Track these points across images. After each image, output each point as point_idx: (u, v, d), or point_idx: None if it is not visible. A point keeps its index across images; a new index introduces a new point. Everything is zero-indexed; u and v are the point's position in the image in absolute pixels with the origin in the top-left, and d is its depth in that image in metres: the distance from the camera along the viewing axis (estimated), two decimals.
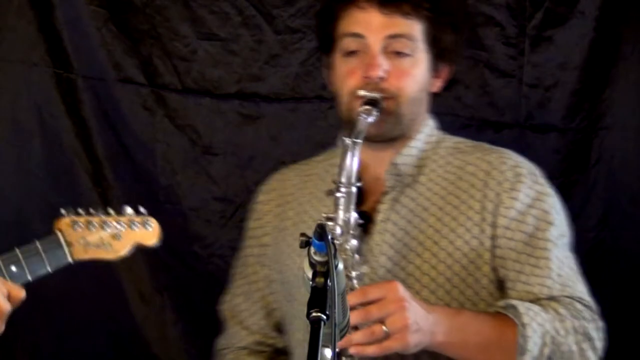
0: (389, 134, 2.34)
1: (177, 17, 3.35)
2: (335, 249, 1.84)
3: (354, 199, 2.16)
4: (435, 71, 2.40)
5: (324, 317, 1.77)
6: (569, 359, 2.23)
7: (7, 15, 3.23)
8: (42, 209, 3.26)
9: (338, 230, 2.09)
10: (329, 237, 1.79)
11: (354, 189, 2.15)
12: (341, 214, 2.14)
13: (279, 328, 2.53)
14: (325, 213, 2.18)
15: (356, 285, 2.18)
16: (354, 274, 2.18)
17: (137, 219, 2.38)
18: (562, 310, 2.25)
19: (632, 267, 3.37)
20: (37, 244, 2.25)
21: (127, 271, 3.38)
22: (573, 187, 3.39)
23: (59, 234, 2.28)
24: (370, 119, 2.23)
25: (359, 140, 2.17)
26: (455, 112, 3.39)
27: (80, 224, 2.30)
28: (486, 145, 2.45)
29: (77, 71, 3.30)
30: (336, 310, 1.81)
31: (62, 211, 2.31)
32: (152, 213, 3.36)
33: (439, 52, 2.38)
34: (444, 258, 2.30)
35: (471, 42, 3.38)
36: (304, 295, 2.35)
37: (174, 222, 3.39)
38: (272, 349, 2.53)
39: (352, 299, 2.07)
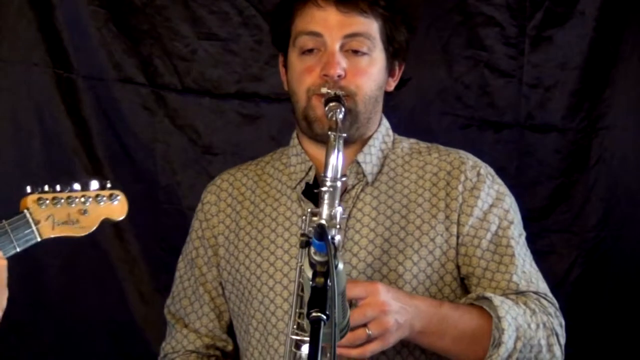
0: (346, 132, 2.30)
1: (177, 17, 3.35)
2: (336, 249, 1.84)
3: (338, 194, 2.15)
4: (390, 70, 2.41)
5: (324, 317, 1.76)
6: (538, 353, 2.25)
7: (7, 15, 3.23)
8: None
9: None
10: (329, 237, 1.79)
11: (338, 184, 2.15)
12: (326, 209, 2.13)
13: (229, 331, 2.51)
14: (310, 208, 2.19)
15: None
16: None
17: (104, 193, 2.33)
18: (532, 305, 2.27)
19: (632, 267, 3.37)
20: (5, 223, 2.20)
21: (127, 271, 3.39)
22: (573, 187, 3.40)
23: (26, 213, 2.23)
24: (341, 115, 2.23)
25: (343, 135, 2.17)
26: (455, 112, 3.40)
27: (47, 200, 2.25)
28: (441, 147, 2.46)
29: (77, 71, 3.30)
30: (336, 310, 1.81)
31: (28, 189, 2.26)
32: (152, 213, 3.40)
33: (394, 51, 2.39)
34: (411, 255, 2.31)
35: (471, 42, 3.38)
36: (266, 293, 2.36)
37: (174, 222, 3.39)
38: (221, 352, 2.51)
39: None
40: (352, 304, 2.11)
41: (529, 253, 2.39)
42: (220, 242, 2.47)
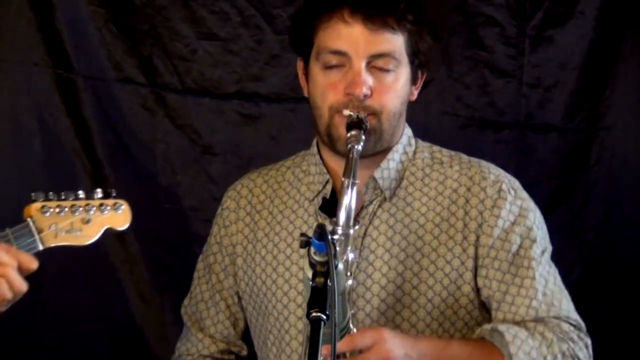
0: (371, 151, 2.31)
1: (177, 17, 3.35)
2: (335, 249, 1.84)
3: (351, 241, 2.13)
4: (414, 80, 2.37)
5: (324, 317, 1.76)
6: None
7: (7, 15, 3.23)
8: None
9: None
10: (329, 237, 1.78)
11: (351, 231, 2.13)
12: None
13: (244, 336, 2.51)
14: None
15: (351, 326, 2.14)
16: (349, 313, 2.14)
17: (108, 202, 2.30)
18: (548, 335, 2.23)
19: (632, 267, 3.37)
20: (8, 231, 2.19)
21: (127, 271, 3.38)
22: (573, 187, 3.40)
23: (30, 221, 2.22)
24: (360, 147, 2.19)
25: (356, 181, 2.14)
26: (456, 112, 3.39)
27: (51, 209, 2.23)
28: (464, 157, 2.42)
29: (77, 71, 3.30)
30: (336, 310, 1.80)
31: (32, 195, 2.24)
32: (152, 213, 3.40)
33: (419, 63, 2.35)
34: (426, 278, 2.29)
35: (471, 42, 3.38)
36: (281, 310, 2.34)
37: (174, 222, 3.39)
38: (235, 356, 2.52)
39: (341, 347, 2.06)
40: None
41: (552, 270, 2.34)
42: (238, 252, 2.45)
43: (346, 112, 2.25)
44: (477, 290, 2.31)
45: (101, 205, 2.30)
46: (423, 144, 2.44)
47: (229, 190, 2.53)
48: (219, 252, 2.49)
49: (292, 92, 3.37)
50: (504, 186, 2.35)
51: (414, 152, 2.41)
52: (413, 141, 2.43)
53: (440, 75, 3.38)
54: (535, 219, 2.36)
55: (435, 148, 2.44)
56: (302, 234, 1.83)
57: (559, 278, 2.35)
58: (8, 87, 3.27)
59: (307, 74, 2.37)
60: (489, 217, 2.31)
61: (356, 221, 2.16)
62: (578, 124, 3.39)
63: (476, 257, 2.30)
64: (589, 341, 2.30)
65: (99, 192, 2.30)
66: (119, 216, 2.32)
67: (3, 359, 3.28)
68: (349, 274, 2.15)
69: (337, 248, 2.10)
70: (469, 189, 2.34)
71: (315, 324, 1.77)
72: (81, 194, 2.28)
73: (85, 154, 3.33)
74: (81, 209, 2.27)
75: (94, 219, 2.28)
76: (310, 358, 1.74)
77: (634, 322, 3.36)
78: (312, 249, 1.81)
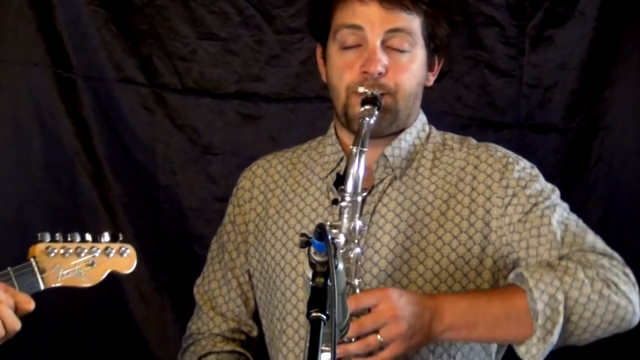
0: (387, 130, 2.34)
1: (177, 17, 3.35)
2: (336, 249, 1.84)
3: (358, 208, 2.15)
4: (430, 65, 2.40)
5: (324, 317, 1.76)
6: (595, 309, 2.17)
7: (7, 15, 3.23)
8: (42, 209, 3.26)
9: (342, 239, 2.08)
10: (329, 237, 1.79)
11: (359, 199, 2.15)
12: (345, 223, 2.13)
13: (254, 316, 2.52)
14: (330, 221, 2.18)
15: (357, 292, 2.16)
16: (356, 282, 2.17)
17: (114, 245, 2.32)
18: (571, 265, 2.19)
19: (632, 267, 3.37)
20: (10, 270, 2.19)
21: None
22: (573, 187, 3.40)
23: (33, 261, 2.22)
24: (372, 120, 2.22)
25: (364, 149, 2.17)
26: (456, 112, 3.40)
27: (55, 250, 2.24)
28: (473, 141, 2.44)
29: (77, 71, 3.30)
30: (336, 310, 1.80)
31: (39, 236, 2.25)
32: (152, 213, 3.40)
33: (435, 47, 2.37)
34: (432, 253, 2.30)
35: (471, 42, 3.38)
36: (288, 285, 2.36)
37: (174, 222, 3.39)
38: (246, 336, 2.52)
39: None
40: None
41: (573, 217, 2.32)
42: (250, 229, 2.47)
43: (361, 90, 2.27)
44: (497, 265, 2.30)
45: (106, 248, 2.32)
46: (437, 132, 2.48)
47: (245, 171, 2.56)
48: (232, 230, 2.51)
49: (292, 92, 3.38)
50: (510, 159, 2.37)
51: (427, 137, 2.44)
52: (427, 127, 2.47)
53: (440, 75, 3.39)
54: (547, 184, 2.37)
55: (448, 135, 2.48)
56: (302, 234, 1.83)
57: (582, 222, 2.33)
58: (8, 87, 3.27)
59: (324, 59, 2.40)
60: (497, 188, 2.32)
61: (364, 189, 2.17)
62: (578, 124, 3.40)
63: (489, 232, 2.30)
64: (627, 270, 2.26)
65: (106, 236, 2.31)
66: (124, 260, 2.35)
67: (3, 359, 3.28)
68: (355, 241, 2.15)
69: (345, 216, 2.12)
70: (476, 167, 2.36)
71: (315, 324, 1.76)
72: (88, 236, 2.29)
73: (85, 154, 3.33)
74: (86, 251, 2.29)
75: (98, 262, 2.30)
76: (310, 358, 1.74)
77: None
78: (312, 249, 1.81)
